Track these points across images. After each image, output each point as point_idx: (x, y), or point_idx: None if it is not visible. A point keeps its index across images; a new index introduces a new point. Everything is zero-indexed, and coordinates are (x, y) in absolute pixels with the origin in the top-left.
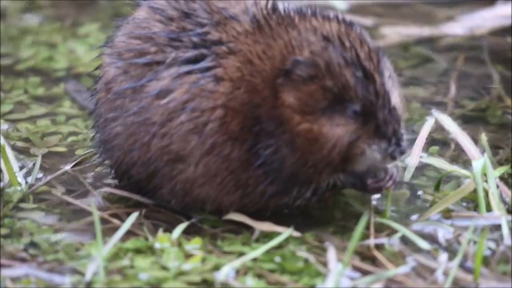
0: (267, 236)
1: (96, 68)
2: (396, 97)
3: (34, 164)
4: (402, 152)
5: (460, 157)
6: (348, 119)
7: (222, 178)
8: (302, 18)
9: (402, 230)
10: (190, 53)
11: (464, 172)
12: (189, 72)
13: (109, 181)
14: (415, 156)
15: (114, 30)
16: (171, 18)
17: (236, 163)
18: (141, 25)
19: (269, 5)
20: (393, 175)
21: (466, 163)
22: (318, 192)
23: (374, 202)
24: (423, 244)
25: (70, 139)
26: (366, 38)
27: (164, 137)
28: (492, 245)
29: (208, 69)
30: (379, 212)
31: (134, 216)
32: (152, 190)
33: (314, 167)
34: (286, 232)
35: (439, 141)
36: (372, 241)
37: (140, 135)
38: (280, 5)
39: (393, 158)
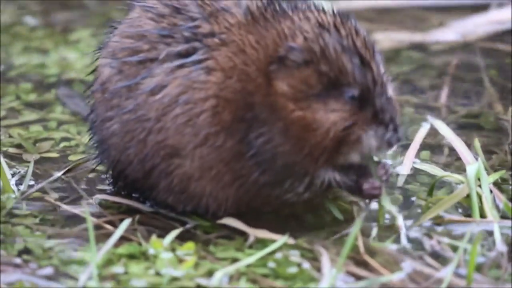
0: (260, 241)
1: (88, 74)
2: (391, 91)
3: (26, 171)
4: (399, 139)
5: (453, 163)
6: (344, 104)
7: (217, 170)
8: (296, 10)
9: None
10: (181, 47)
11: (458, 177)
12: (181, 66)
13: (102, 187)
14: (408, 161)
15: (108, 34)
16: (162, 15)
17: (229, 154)
18: (133, 24)
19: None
20: (388, 171)
21: (459, 169)
22: (312, 188)
23: (366, 206)
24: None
25: (62, 144)
26: (361, 29)
27: (160, 132)
28: (485, 250)
29: (199, 61)
30: (372, 217)
31: (127, 222)
32: (148, 189)
33: (309, 155)
34: (281, 239)
35: (433, 146)
36: (365, 247)
37: (136, 131)
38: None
39: (390, 145)
